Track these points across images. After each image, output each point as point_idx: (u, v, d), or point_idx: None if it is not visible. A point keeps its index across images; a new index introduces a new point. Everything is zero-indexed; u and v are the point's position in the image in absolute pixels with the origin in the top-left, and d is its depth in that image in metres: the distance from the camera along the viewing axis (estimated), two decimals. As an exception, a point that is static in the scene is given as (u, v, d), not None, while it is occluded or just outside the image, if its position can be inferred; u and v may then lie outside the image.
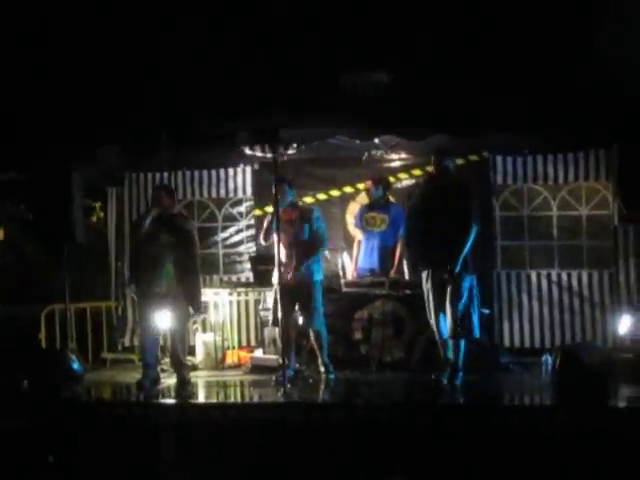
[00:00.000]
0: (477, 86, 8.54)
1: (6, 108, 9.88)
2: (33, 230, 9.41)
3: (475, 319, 7.92)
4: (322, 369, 8.59)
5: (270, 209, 8.99)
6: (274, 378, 8.30)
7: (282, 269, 8.20)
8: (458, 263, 7.75)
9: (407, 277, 8.99)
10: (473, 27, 9.76)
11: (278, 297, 8.25)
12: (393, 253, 9.40)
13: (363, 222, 9.64)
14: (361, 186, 10.13)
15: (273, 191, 7.92)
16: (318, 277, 8.61)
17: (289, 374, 8.24)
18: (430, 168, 8.34)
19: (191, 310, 8.50)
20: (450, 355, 7.99)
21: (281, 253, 8.30)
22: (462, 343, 7.94)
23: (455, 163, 8.27)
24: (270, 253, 8.83)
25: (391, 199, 9.73)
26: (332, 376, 8.52)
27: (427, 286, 8.03)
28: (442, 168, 8.05)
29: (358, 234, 9.79)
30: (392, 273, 9.26)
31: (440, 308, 7.94)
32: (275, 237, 8.06)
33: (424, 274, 8.07)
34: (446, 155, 8.10)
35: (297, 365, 8.71)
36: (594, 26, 9.01)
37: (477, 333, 7.96)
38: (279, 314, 8.17)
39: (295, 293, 8.41)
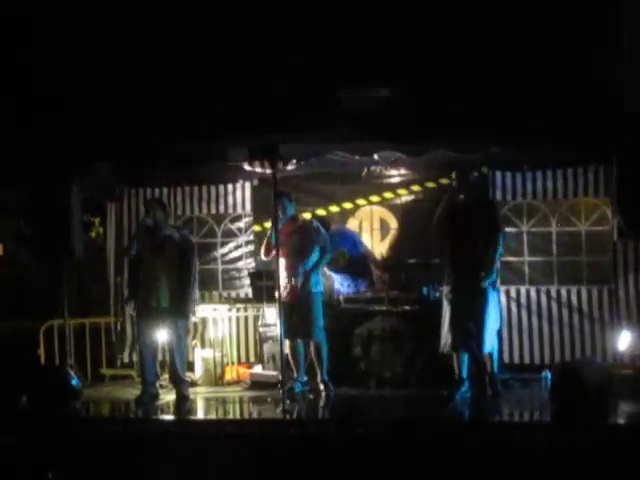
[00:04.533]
0: (477, 101, 8.58)
1: (5, 124, 9.92)
2: (32, 246, 9.39)
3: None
4: (321, 387, 8.53)
5: (269, 224, 8.97)
6: (281, 392, 8.21)
7: (282, 282, 8.23)
8: (489, 276, 7.97)
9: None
10: (473, 42, 9.82)
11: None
12: None
13: None
14: (360, 202, 10.11)
15: (272, 206, 7.93)
16: (318, 289, 8.61)
17: (297, 389, 8.27)
18: (453, 181, 8.42)
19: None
20: (464, 369, 8.10)
21: (282, 265, 8.31)
22: (494, 355, 8.19)
23: (477, 177, 8.53)
24: (269, 269, 8.81)
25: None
26: (331, 393, 8.48)
27: (450, 299, 8.10)
28: (466, 183, 8.24)
29: None
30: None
31: (462, 321, 8.01)
32: (275, 252, 8.08)
33: (447, 288, 8.16)
34: (469, 170, 8.31)
35: (306, 378, 8.69)
36: (594, 42, 9.05)
37: (487, 348, 8.11)
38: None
39: (295, 305, 8.41)
